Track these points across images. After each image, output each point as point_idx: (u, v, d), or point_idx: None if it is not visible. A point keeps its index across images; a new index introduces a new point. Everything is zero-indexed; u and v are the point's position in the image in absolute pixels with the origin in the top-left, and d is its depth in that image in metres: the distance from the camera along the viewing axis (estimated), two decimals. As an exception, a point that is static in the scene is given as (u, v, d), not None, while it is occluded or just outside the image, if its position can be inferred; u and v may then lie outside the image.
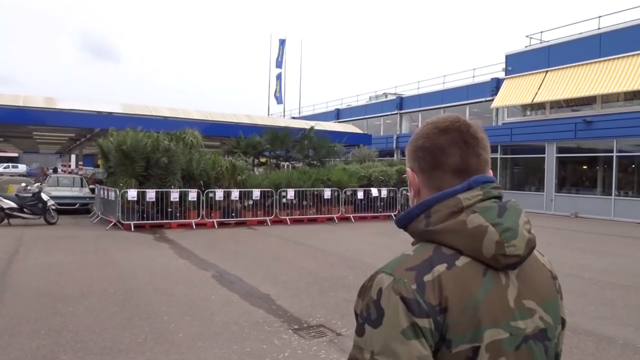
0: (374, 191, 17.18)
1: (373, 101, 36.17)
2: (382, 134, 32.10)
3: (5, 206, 13.56)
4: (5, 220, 13.61)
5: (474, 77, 27.43)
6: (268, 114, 39.85)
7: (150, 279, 7.53)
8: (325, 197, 16.33)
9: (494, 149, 23.05)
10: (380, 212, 17.37)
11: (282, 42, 40.66)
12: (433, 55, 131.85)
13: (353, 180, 17.28)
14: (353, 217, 16.63)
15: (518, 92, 22.34)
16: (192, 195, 14.19)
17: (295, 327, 5.43)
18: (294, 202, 15.90)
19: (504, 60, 23.77)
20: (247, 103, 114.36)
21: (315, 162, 20.88)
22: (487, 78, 25.75)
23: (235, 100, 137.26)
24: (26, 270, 8.01)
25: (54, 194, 15.81)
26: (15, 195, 14.29)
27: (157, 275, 7.80)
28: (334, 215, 16.47)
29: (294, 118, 38.03)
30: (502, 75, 24.27)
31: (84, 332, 5.09)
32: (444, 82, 29.58)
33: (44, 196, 14.14)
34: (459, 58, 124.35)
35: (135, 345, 4.77)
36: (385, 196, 17.51)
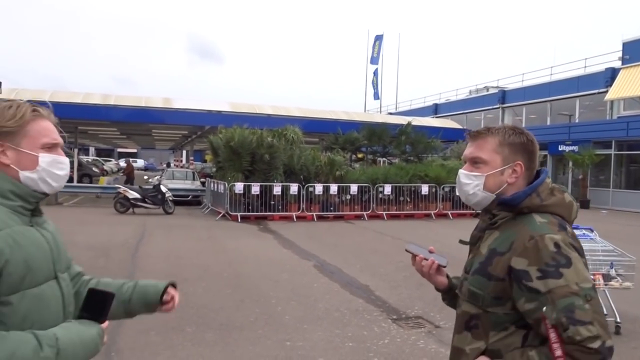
0: (473, 188, 16.72)
1: (473, 95, 34.98)
2: (482, 129, 30.97)
3: (131, 197, 15.25)
4: (131, 209, 15.28)
5: (585, 67, 25.57)
6: (365, 110, 40.09)
7: (257, 266, 8.13)
8: (423, 193, 16.27)
9: (607, 145, 21.36)
10: (480, 209, 16.88)
11: (379, 38, 40.63)
12: (539, 45, 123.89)
13: (452, 176, 16.98)
14: (451, 213, 16.39)
15: (637, 82, 20.48)
16: (293, 189, 14.90)
17: (394, 317, 5.64)
18: (391, 197, 16.03)
19: (620, 48, 21.92)
20: (344, 99, 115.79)
21: (412, 158, 20.78)
22: (601, 68, 23.89)
23: (333, 96, 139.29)
24: (151, 254, 9.01)
25: (170, 186, 17.38)
26: (139, 187, 15.95)
27: (263, 263, 8.40)
28: (432, 212, 16.36)
29: (390, 114, 37.89)
30: (618, 64, 22.43)
31: (203, 310, 5.70)
32: (551, 74, 27.87)
33: (163, 188, 15.66)
34: (569, 47, 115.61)
35: (248, 324, 5.27)
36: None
